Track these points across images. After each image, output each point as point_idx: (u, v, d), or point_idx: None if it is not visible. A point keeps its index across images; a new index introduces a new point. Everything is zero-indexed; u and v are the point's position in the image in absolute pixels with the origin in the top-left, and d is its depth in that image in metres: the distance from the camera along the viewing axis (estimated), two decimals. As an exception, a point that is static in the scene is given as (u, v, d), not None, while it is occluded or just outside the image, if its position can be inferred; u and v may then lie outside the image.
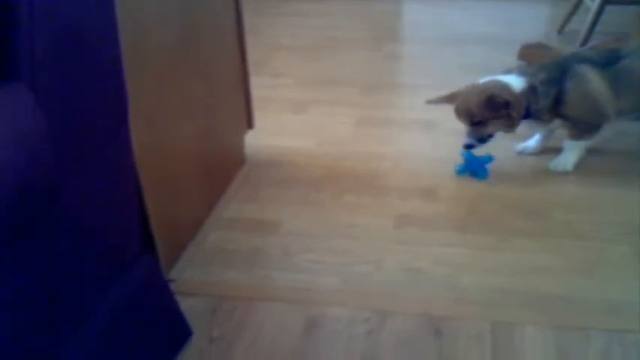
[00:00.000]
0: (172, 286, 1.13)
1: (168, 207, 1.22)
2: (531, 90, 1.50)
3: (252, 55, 1.65)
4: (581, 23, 2.68)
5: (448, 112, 2.02)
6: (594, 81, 1.50)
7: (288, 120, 2.01)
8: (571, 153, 1.63)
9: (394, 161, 1.73)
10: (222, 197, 1.55)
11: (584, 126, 1.58)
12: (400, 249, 1.34)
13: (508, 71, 1.57)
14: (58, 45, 0.66)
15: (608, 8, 2.57)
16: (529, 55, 2.47)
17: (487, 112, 1.50)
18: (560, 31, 2.92)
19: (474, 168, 1.62)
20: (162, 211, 1.16)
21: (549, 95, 1.51)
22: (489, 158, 1.61)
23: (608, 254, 1.32)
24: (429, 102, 1.63)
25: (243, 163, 1.72)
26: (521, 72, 1.55)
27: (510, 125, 1.52)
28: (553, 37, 2.86)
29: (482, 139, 1.57)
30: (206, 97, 1.37)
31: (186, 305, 1.14)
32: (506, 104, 1.47)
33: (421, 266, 1.29)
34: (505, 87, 1.50)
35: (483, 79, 1.56)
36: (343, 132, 1.91)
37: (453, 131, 1.89)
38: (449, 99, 1.60)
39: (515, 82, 1.51)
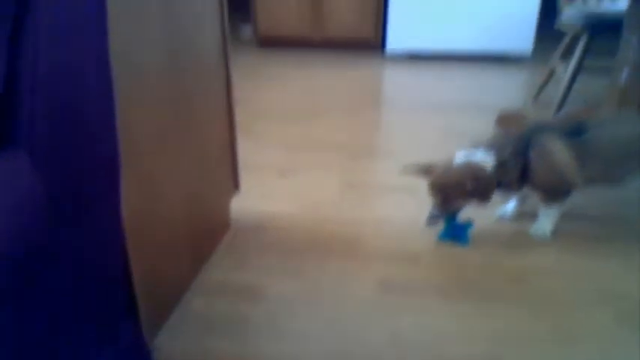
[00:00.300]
0: (156, 355, 1.12)
1: (154, 270, 1.21)
2: (501, 165, 1.55)
3: (238, 120, 1.69)
4: (556, 90, 2.80)
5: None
6: (558, 151, 1.54)
7: (273, 184, 2.04)
8: (546, 219, 1.68)
9: (377, 226, 1.75)
10: (207, 262, 1.55)
11: (551, 193, 1.63)
12: (383, 315, 1.34)
13: (476, 146, 1.62)
14: (56, 114, 0.69)
15: (582, 77, 2.70)
16: (506, 122, 2.55)
17: (459, 194, 1.56)
18: (536, 98, 3.04)
19: (455, 234, 1.64)
20: (147, 274, 1.16)
21: (517, 167, 1.56)
22: (469, 224, 1.65)
23: (589, 321, 1.33)
24: (405, 171, 1.70)
25: (229, 227, 1.73)
26: (489, 146, 1.60)
27: (482, 202, 1.57)
28: (529, 105, 2.97)
29: (450, 213, 1.63)
30: (194, 162, 1.39)
31: (169, 375, 1.12)
32: (478, 187, 1.54)
33: (405, 334, 1.29)
34: (478, 170, 1.55)
35: (457, 156, 1.61)
36: (327, 196, 1.94)
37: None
38: (423, 171, 1.65)
39: (486, 160, 1.56)
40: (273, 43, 4.33)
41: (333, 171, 2.14)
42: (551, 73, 2.95)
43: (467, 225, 1.64)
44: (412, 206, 1.87)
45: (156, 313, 1.27)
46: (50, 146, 0.68)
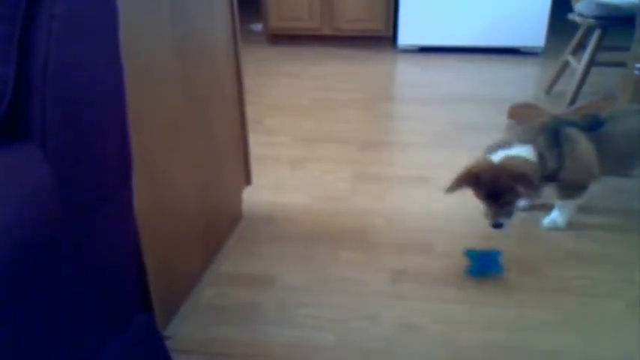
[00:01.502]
0: (168, 343, 1.13)
1: (166, 262, 1.23)
2: (541, 158, 1.50)
3: (250, 114, 1.70)
4: (568, 84, 2.78)
5: (442, 168, 2.07)
6: (584, 143, 1.54)
7: (285, 176, 2.04)
8: (563, 211, 1.66)
9: (390, 217, 1.75)
10: (219, 253, 1.56)
11: (574, 187, 1.60)
12: (397, 304, 1.35)
13: (508, 142, 1.54)
14: (68, 107, 0.69)
15: (594, 70, 2.68)
16: (518, 114, 2.54)
17: (514, 190, 1.47)
18: (548, 91, 3.01)
19: (485, 266, 1.47)
20: (159, 267, 1.17)
21: (554, 160, 1.51)
22: (498, 252, 1.49)
23: (605, 310, 1.33)
24: (448, 192, 1.49)
25: (241, 219, 1.74)
26: (521, 140, 1.53)
27: (532, 195, 1.55)
28: (541, 98, 2.95)
29: (509, 215, 1.52)
30: (206, 155, 1.40)
31: (182, 362, 1.13)
32: (530, 184, 1.46)
33: (418, 322, 1.29)
34: (524, 161, 1.47)
35: (493, 154, 1.51)
36: (339, 188, 1.94)
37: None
38: (463, 181, 1.50)
39: (527, 153, 1.49)
40: (284, 38, 4.33)
41: (344, 163, 2.14)
42: (564, 67, 2.92)
43: (495, 254, 1.48)
44: (424, 197, 1.87)
45: (168, 303, 1.28)
46: (62, 140, 0.69)
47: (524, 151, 1.49)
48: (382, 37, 4.17)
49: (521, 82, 3.29)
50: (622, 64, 2.19)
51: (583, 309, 1.33)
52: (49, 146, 0.66)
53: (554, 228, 1.66)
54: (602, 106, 2.34)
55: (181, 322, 1.29)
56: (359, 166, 2.13)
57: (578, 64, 2.70)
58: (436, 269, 1.49)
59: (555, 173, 1.53)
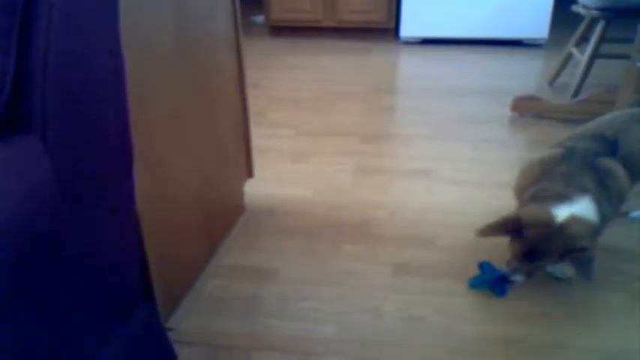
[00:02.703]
0: (171, 335, 1.13)
1: (168, 255, 1.23)
2: (600, 207, 1.27)
3: (252, 107, 1.69)
4: (571, 76, 2.77)
5: (444, 161, 2.07)
6: (623, 176, 1.35)
7: (287, 169, 2.04)
8: None
9: (392, 210, 1.75)
10: (221, 245, 1.56)
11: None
12: (399, 297, 1.35)
13: (565, 193, 1.27)
14: (68, 99, 0.69)
15: (598, 62, 2.66)
16: (521, 107, 2.53)
17: (559, 258, 1.24)
18: (552, 83, 3.00)
19: (492, 284, 1.37)
20: (162, 259, 1.17)
21: (609, 206, 1.29)
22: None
23: (607, 302, 1.32)
24: (480, 234, 1.29)
25: (243, 211, 1.73)
26: (576, 187, 1.28)
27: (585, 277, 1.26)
28: (545, 90, 2.93)
29: (530, 275, 1.31)
30: (208, 148, 1.40)
31: (185, 355, 1.13)
32: (588, 249, 1.20)
33: (420, 315, 1.29)
34: (589, 227, 1.24)
35: (555, 208, 1.24)
36: (341, 181, 1.94)
37: (450, 180, 1.93)
38: (506, 228, 1.29)
39: (590, 209, 1.25)
40: (286, 30, 4.32)
41: (346, 155, 2.14)
42: (567, 59, 2.91)
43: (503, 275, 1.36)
44: (426, 190, 1.86)
45: (171, 295, 1.28)
46: (62, 132, 0.68)
47: (587, 209, 1.25)
48: (384, 29, 4.15)
49: (524, 75, 3.28)
50: (626, 57, 2.17)
51: (584, 302, 1.33)
52: (49, 139, 0.66)
53: (562, 276, 1.42)
54: (605, 98, 2.33)
55: (184, 314, 1.30)
56: (361, 158, 2.12)
57: (582, 56, 2.69)
58: (438, 262, 1.48)
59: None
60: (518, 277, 1.30)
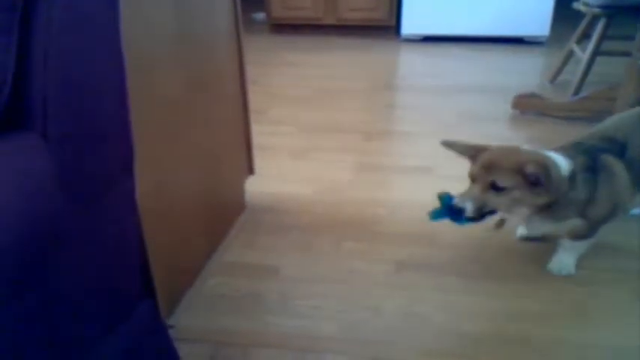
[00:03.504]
0: (171, 332, 1.13)
1: (169, 252, 1.23)
2: (571, 177, 1.24)
3: (252, 104, 1.69)
4: (573, 73, 2.76)
5: (445, 158, 2.07)
6: (622, 176, 1.30)
7: (288, 167, 2.04)
8: (573, 252, 1.42)
9: (393, 207, 1.74)
10: (221, 243, 1.56)
11: (597, 225, 1.34)
12: (399, 295, 1.34)
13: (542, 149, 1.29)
14: (68, 96, 0.69)
15: (599, 59, 2.66)
16: (523, 104, 2.53)
17: (520, 181, 1.19)
18: (553, 81, 3.00)
19: (452, 213, 1.31)
20: (162, 256, 1.17)
21: (586, 187, 1.26)
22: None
23: (608, 298, 1.32)
24: (448, 145, 1.31)
25: (243, 209, 1.73)
26: (559, 151, 1.29)
27: (532, 206, 1.24)
28: (546, 87, 2.93)
29: (485, 213, 1.26)
30: (209, 145, 1.40)
31: (185, 352, 1.13)
32: (547, 182, 1.18)
33: (420, 312, 1.29)
34: (554, 164, 1.22)
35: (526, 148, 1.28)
36: (342, 178, 1.94)
37: (451, 178, 1.92)
38: (472, 151, 1.29)
39: (563, 163, 1.24)
40: (287, 27, 4.31)
41: (347, 153, 2.14)
42: (569, 56, 2.90)
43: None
44: (428, 187, 1.86)
45: (171, 292, 1.28)
46: (63, 129, 0.68)
47: (561, 160, 1.24)
48: (385, 26, 4.15)
49: (525, 72, 3.27)
50: (627, 54, 2.17)
51: (585, 299, 1.33)
52: (49, 135, 0.66)
53: (564, 274, 1.41)
54: (606, 96, 2.33)
55: (184, 311, 1.30)
56: (362, 156, 2.12)
57: (583, 54, 2.68)
58: (439, 259, 1.48)
59: (581, 206, 1.28)
60: (468, 205, 1.22)
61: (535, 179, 1.17)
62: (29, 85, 0.65)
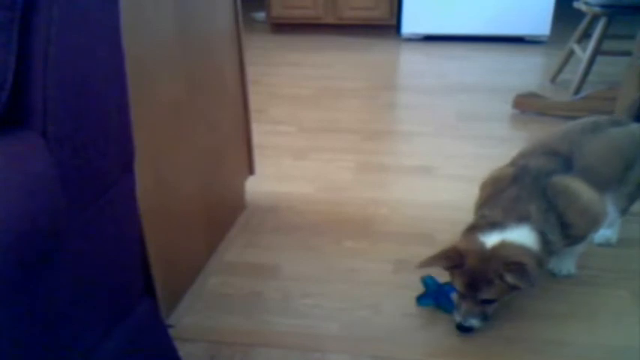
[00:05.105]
0: (171, 332, 1.13)
1: (170, 251, 1.23)
2: (543, 238, 1.22)
3: (253, 104, 1.69)
4: (573, 73, 2.76)
5: (446, 158, 2.07)
6: (583, 190, 1.27)
7: (288, 166, 2.04)
8: (571, 257, 1.42)
9: (393, 207, 1.74)
10: (222, 242, 1.56)
11: (586, 234, 1.33)
12: (399, 294, 1.34)
13: (500, 222, 1.23)
14: (69, 94, 0.69)
15: (600, 58, 2.66)
16: (523, 104, 2.53)
17: (502, 282, 1.17)
18: (554, 80, 3.00)
19: (438, 299, 1.31)
20: (163, 255, 1.17)
21: (556, 230, 1.24)
22: (451, 288, 1.30)
23: (607, 299, 1.32)
24: (420, 266, 1.23)
25: (244, 208, 1.73)
26: (514, 216, 1.24)
27: (529, 288, 1.20)
28: (546, 87, 2.93)
29: (484, 317, 1.22)
30: (209, 144, 1.40)
31: (185, 351, 1.13)
32: (527, 268, 1.15)
33: (420, 312, 1.29)
34: (522, 250, 1.19)
35: (485, 236, 1.22)
36: (342, 178, 1.94)
37: (450, 177, 1.93)
38: (445, 258, 1.23)
39: (526, 237, 1.21)
40: (287, 26, 4.31)
41: (348, 152, 2.14)
42: (569, 55, 2.90)
43: (448, 289, 1.32)
44: (428, 187, 1.86)
45: (172, 292, 1.28)
46: (63, 127, 0.68)
47: (522, 236, 1.21)
48: (386, 25, 4.14)
49: (526, 71, 3.27)
50: (627, 53, 2.17)
51: (586, 299, 1.33)
52: (49, 134, 0.66)
53: (564, 274, 1.42)
54: (607, 95, 2.32)
55: (185, 310, 1.30)
56: (362, 155, 2.12)
57: (584, 53, 2.68)
58: (439, 259, 1.48)
59: (561, 237, 1.26)
60: (473, 322, 1.21)
61: (516, 284, 1.16)
62: (29, 83, 0.64)
